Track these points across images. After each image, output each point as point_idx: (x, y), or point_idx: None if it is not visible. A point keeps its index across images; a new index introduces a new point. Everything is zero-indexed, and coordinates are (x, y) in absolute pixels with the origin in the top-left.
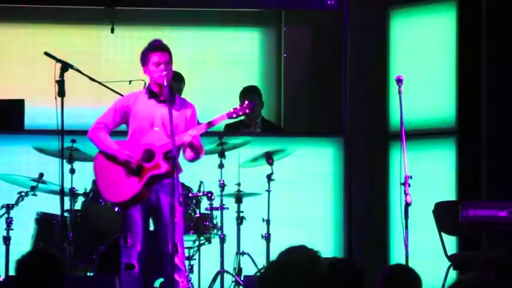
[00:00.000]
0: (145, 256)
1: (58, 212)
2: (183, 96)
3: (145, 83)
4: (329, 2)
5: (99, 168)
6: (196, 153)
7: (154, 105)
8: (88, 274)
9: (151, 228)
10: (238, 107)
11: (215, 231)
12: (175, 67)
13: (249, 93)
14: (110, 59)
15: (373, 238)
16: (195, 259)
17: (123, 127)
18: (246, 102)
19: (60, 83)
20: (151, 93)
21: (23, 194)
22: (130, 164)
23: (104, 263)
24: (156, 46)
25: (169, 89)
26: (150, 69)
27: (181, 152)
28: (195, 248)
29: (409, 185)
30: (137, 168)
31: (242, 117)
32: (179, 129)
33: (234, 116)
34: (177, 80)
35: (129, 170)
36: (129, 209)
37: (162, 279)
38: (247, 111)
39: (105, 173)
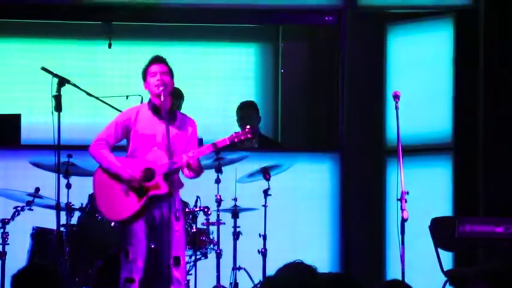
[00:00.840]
0: (146, 272)
1: (54, 226)
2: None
3: (142, 98)
4: (327, 18)
5: (99, 184)
6: (195, 173)
7: (155, 122)
8: None
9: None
10: (240, 132)
11: (211, 246)
12: None
13: (246, 109)
14: (107, 74)
15: (370, 253)
16: (191, 274)
17: (123, 141)
18: (248, 127)
19: (57, 98)
20: (153, 108)
21: (19, 208)
22: (132, 183)
23: (101, 278)
24: (153, 59)
25: (166, 102)
26: (149, 81)
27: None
28: (192, 263)
29: (406, 201)
30: (138, 188)
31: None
32: (180, 147)
33: (236, 140)
34: (177, 97)
35: (129, 188)
36: (128, 225)
37: None
38: (249, 136)
39: (105, 190)
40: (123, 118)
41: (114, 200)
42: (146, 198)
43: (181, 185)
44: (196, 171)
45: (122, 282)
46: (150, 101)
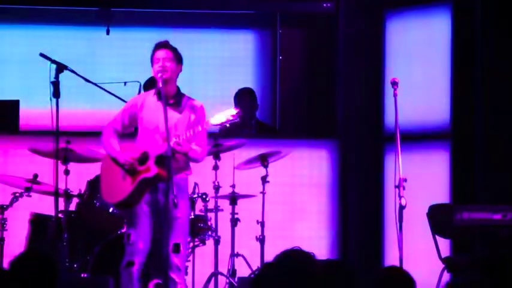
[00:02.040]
0: (150, 255)
1: (52, 213)
2: None
3: (140, 84)
4: (324, 5)
5: (104, 169)
6: (187, 158)
7: (160, 108)
8: (82, 275)
9: None
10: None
11: (209, 232)
12: None
13: (244, 96)
14: (105, 60)
15: (368, 240)
16: (189, 261)
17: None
18: (237, 110)
19: (55, 84)
20: (159, 94)
21: (17, 194)
22: (126, 166)
23: (99, 264)
24: (158, 44)
25: (168, 87)
26: (153, 67)
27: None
28: (190, 250)
29: (404, 188)
30: (132, 171)
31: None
32: (180, 131)
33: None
34: None
35: (126, 171)
36: (125, 209)
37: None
38: (231, 118)
39: (107, 174)
40: (130, 105)
41: (113, 183)
42: (137, 181)
43: (181, 170)
44: (189, 157)
45: (123, 265)
46: (157, 87)
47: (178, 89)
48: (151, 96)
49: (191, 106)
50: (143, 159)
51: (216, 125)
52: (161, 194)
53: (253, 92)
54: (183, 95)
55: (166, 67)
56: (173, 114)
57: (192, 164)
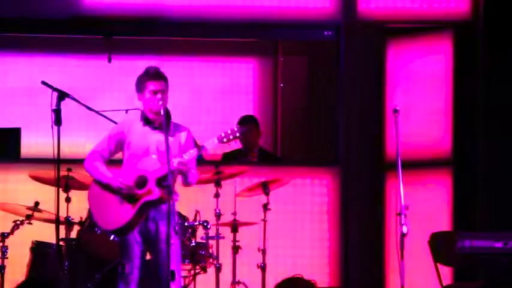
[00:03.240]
0: (142, 284)
1: (53, 240)
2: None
3: (141, 112)
4: (326, 33)
5: (93, 197)
6: (186, 178)
7: (148, 132)
8: None
9: (148, 256)
10: (228, 131)
11: (211, 260)
12: (170, 96)
13: (246, 123)
14: (107, 88)
15: (369, 268)
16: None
17: (119, 156)
18: (237, 126)
19: (57, 112)
20: (146, 120)
21: (18, 222)
22: (122, 190)
23: None
24: (153, 74)
25: (166, 118)
26: (146, 97)
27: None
28: (191, 277)
29: (405, 216)
30: (130, 195)
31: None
32: (172, 153)
33: (225, 140)
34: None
35: (123, 197)
36: (124, 235)
37: None
38: (237, 134)
39: (100, 201)
40: (116, 131)
41: (109, 210)
42: (139, 204)
43: (176, 194)
44: (186, 175)
45: None
46: (142, 113)
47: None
48: (137, 121)
49: (179, 131)
50: (141, 182)
51: (216, 145)
52: (152, 222)
53: (255, 119)
54: (170, 120)
55: (165, 98)
56: (160, 138)
57: (192, 192)
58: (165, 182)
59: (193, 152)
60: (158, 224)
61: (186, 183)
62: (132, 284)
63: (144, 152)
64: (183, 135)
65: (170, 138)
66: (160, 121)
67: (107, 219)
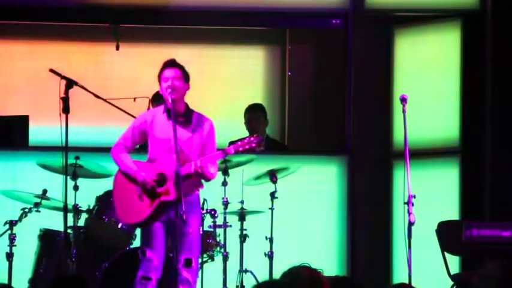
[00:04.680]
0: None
1: (61, 228)
2: None
3: (149, 100)
4: (334, 21)
5: (118, 186)
6: (205, 179)
7: (170, 125)
8: None
9: None
10: (245, 140)
11: (218, 248)
12: None
13: (254, 111)
14: (115, 76)
15: (376, 257)
16: (198, 276)
17: None
18: (255, 135)
19: (65, 100)
20: (167, 111)
21: (26, 210)
22: (146, 186)
23: (107, 280)
24: (168, 62)
25: (177, 106)
26: (161, 85)
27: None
28: (198, 266)
29: (413, 204)
30: (151, 192)
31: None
32: (194, 150)
33: (240, 149)
34: None
35: (144, 191)
36: (141, 228)
37: None
38: (254, 145)
39: (122, 193)
40: (140, 122)
41: (129, 203)
42: (157, 203)
43: (196, 187)
44: (206, 178)
45: (138, 279)
46: (165, 104)
47: (187, 106)
48: (160, 113)
49: (201, 122)
50: (161, 180)
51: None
52: (173, 211)
53: (263, 108)
54: (192, 111)
55: (175, 86)
56: (184, 132)
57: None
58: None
59: (217, 155)
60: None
61: (205, 180)
62: (152, 270)
63: (166, 145)
64: (206, 127)
65: (189, 133)
66: (183, 112)
67: (125, 212)
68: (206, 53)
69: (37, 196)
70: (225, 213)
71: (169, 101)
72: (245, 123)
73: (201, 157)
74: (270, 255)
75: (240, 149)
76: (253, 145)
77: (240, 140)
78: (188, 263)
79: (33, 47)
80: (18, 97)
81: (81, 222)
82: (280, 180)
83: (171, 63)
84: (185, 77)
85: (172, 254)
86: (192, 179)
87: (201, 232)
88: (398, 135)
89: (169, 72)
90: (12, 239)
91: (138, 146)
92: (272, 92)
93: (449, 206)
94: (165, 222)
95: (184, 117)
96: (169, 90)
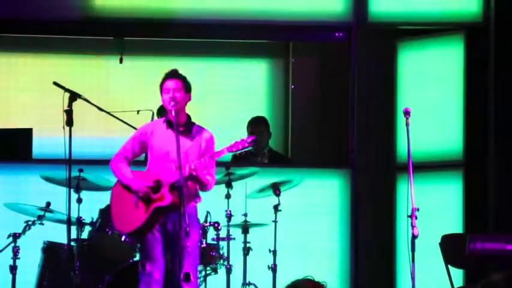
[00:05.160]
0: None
1: (65, 241)
2: None
3: (153, 113)
4: (337, 34)
5: (115, 196)
6: (201, 185)
7: (171, 136)
8: None
9: None
10: (239, 141)
11: (221, 261)
12: None
13: (257, 124)
14: (119, 89)
15: (380, 270)
16: None
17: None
18: (246, 137)
19: (69, 113)
20: (168, 122)
21: (29, 223)
22: (139, 193)
23: None
24: (169, 73)
25: (178, 117)
26: (163, 96)
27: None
28: (202, 279)
29: (416, 217)
30: (146, 199)
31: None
32: (191, 159)
33: (234, 149)
34: None
35: (139, 199)
36: (138, 238)
37: None
38: (246, 145)
39: (119, 202)
40: (140, 133)
41: (125, 211)
42: (152, 210)
43: (193, 198)
44: (201, 182)
45: None
46: (166, 116)
47: (188, 117)
48: (161, 124)
49: (201, 135)
50: (157, 187)
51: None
52: (170, 223)
53: (266, 120)
54: (193, 123)
55: (176, 98)
56: (184, 142)
57: (203, 193)
58: (177, 184)
59: (204, 160)
60: (176, 225)
61: (201, 188)
62: (153, 284)
63: (165, 156)
64: (204, 140)
65: (190, 142)
66: (183, 124)
67: (121, 221)
68: (210, 66)
69: (40, 209)
70: (228, 225)
71: (173, 113)
72: (248, 135)
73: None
74: (274, 268)
75: (234, 149)
76: (246, 145)
77: (235, 141)
78: (187, 277)
79: (37, 60)
80: (22, 110)
81: (84, 235)
82: (283, 193)
83: (172, 74)
84: (186, 87)
85: (172, 267)
86: (189, 190)
87: (204, 245)
88: (401, 148)
89: (170, 84)
90: (15, 251)
91: (143, 158)
92: (275, 105)
93: (452, 219)
94: (163, 235)
95: (184, 127)
96: (172, 103)
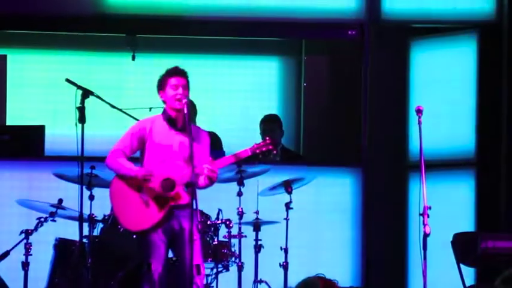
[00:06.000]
0: (167, 282)
1: (77, 238)
2: (200, 123)
3: (164, 111)
4: (350, 32)
5: (116, 194)
6: (211, 181)
7: (171, 134)
8: None
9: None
10: (261, 142)
11: (233, 259)
12: (194, 94)
13: (270, 122)
14: (131, 86)
15: (391, 268)
16: (212, 286)
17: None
18: (267, 138)
19: (81, 110)
20: (168, 120)
21: (42, 219)
22: (147, 176)
23: None
24: (174, 71)
25: (188, 115)
26: (168, 93)
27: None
28: (213, 276)
29: (428, 216)
30: (158, 197)
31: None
32: (195, 157)
33: (257, 151)
34: (193, 110)
35: (150, 198)
36: (147, 236)
37: None
38: (270, 147)
39: (123, 200)
40: (138, 128)
41: (133, 210)
42: (168, 208)
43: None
44: (213, 180)
45: None
46: (165, 112)
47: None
48: (160, 121)
49: (200, 133)
50: (169, 186)
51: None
52: (175, 220)
53: (278, 119)
54: (190, 123)
55: (185, 94)
56: (184, 139)
57: (215, 190)
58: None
59: (226, 160)
60: (181, 221)
61: (208, 186)
62: (157, 283)
63: (167, 154)
64: (202, 139)
65: (188, 141)
66: (182, 121)
67: (132, 219)
68: (222, 64)
69: (52, 205)
70: (240, 223)
71: (185, 110)
72: (261, 133)
73: (213, 161)
74: (285, 266)
75: (257, 150)
76: (270, 147)
77: (256, 143)
78: (198, 269)
79: (50, 56)
80: (35, 107)
81: (96, 232)
82: (295, 191)
83: (179, 71)
84: (189, 84)
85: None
86: (200, 187)
87: (216, 242)
88: (413, 147)
89: (177, 81)
90: (27, 248)
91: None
92: (288, 103)
93: (464, 217)
94: (165, 232)
95: (183, 124)
96: (185, 101)
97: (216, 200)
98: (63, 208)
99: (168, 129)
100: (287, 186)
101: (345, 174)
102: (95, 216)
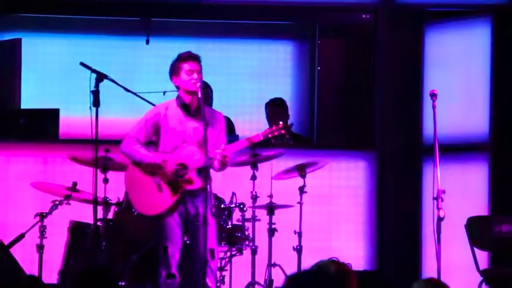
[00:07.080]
0: (182, 266)
1: (91, 221)
2: (215, 107)
3: (178, 97)
4: (364, 16)
5: (131, 180)
6: (224, 165)
7: (185, 119)
8: (120, 283)
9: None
10: (273, 127)
11: (247, 242)
12: (209, 78)
13: (275, 106)
14: (145, 69)
15: (405, 252)
16: (226, 270)
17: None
18: (281, 122)
19: (95, 93)
20: (182, 105)
21: (56, 202)
22: (164, 168)
23: (136, 272)
24: (187, 56)
25: (202, 99)
26: (182, 78)
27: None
28: (227, 259)
29: (442, 200)
30: (173, 181)
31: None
32: (210, 142)
33: (270, 135)
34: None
35: (163, 182)
36: (162, 220)
37: None
38: (282, 131)
39: (137, 185)
40: (153, 114)
41: (147, 195)
42: (181, 193)
43: (210, 179)
44: (226, 164)
45: (163, 279)
46: (179, 98)
47: (199, 99)
48: (174, 106)
49: (214, 116)
50: (182, 170)
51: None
52: (190, 205)
53: (284, 102)
54: (204, 106)
55: (200, 78)
56: (198, 125)
57: (229, 174)
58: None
59: (239, 144)
60: (197, 205)
61: (222, 169)
62: (174, 266)
63: (182, 139)
64: (217, 122)
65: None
66: (196, 106)
67: (145, 203)
68: (235, 48)
69: (67, 188)
70: (253, 207)
71: (199, 94)
72: (266, 117)
73: (226, 146)
74: (299, 249)
75: (270, 135)
76: (282, 131)
77: (269, 128)
78: (212, 254)
79: (64, 40)
80: (49, 90)
81: (110, 215)
82: (309, 175)
83: (193, 56)
84: (201, 67)
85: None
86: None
87: (230, 226)
88: (427, 131)
89: (192, 65)
90: (42, 231)
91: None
92: (301, 87)
93: (478, 201)
94: (180, 216)
95: (197, 110)
96: (199, 84)
97: (229, 184)
98: (78, 191)
99: (182, 115)
100: (301, 170)
101: (358, 158)
102: (109, 200)
